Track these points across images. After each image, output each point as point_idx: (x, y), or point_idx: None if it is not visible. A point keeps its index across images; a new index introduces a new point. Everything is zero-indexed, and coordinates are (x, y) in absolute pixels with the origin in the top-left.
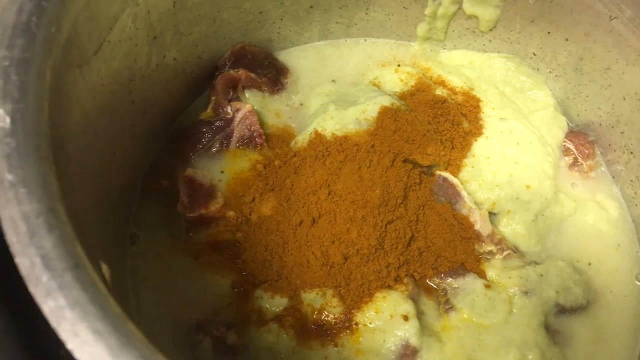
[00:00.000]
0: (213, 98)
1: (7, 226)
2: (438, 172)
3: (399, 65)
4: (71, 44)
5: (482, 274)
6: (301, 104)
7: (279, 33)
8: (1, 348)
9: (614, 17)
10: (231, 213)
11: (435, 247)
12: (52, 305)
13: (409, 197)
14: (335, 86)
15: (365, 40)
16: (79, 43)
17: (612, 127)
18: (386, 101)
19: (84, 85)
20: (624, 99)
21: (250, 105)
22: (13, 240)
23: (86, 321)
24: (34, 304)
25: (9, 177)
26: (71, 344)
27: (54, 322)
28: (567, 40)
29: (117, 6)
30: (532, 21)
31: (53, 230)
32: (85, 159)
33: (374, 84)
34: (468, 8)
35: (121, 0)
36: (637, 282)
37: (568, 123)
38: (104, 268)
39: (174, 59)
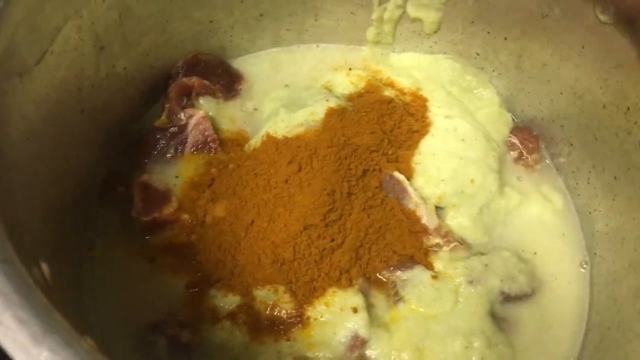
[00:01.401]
0: (167, 106)
1: None
2: (385, 170)
3: (350, 69)
4: (10, 54)
5: (429, 266)
6: (255, 109)
7: (231, 41)
8: None
9: (546, 15)
10: (185, 216)
11: (385, 241)
12: None
13: (357, 194)
14: (288, 91)
15: (318, 45)
16: (19, 53)
17: (553, 121)
18: (333, 102)
19: (25, 95)
20: (561, 93)
21: (204, 111)
22: None
23: (10, 310)
24: None
25: None
26: None
27: None
28: (505, 39)
29: (59, 18)
30: (472, 22)
31: None
32: (31, 165)
33: (326, 88)
34: (412, 12)
35: (63, 13)
36: (581, 270)
37: (513, 119)
38: (44, 267)
39: (124, 68)
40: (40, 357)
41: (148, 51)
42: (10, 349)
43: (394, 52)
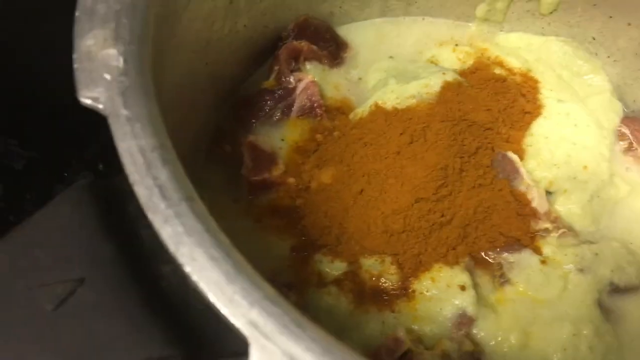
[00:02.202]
0: (276, 68)
1: (125, 158)
2: (497, 149)
3: (456, 45)
4: None
5: (537, 250)
6: (360, 79)
7: (341, 7)
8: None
9: None
10: (291, 180)
11: (491, 222)
12: (170, 232)
13: (468, 171)
14: (394, 62)
15: (424, 19)
16: None
17: None
18: (449, 76)
19: (175, 40)
20: None
21: (312, 76)
22: (131, 170)
23: (203, 247)
24: None
25: (125, 112)
26: (189, 267)
27: (172, 246)
28: (629, 24)
29: None
30: (595, 5)
31: (167, 164)
32: (170, 113)
33: (432, 62)
34: None
35: None
36: None
37: (624, 108)
38: None
39: (244, 25)
40: (235, 296)
41: (266, 10)
42: (205, 286)
43: (502, 31)
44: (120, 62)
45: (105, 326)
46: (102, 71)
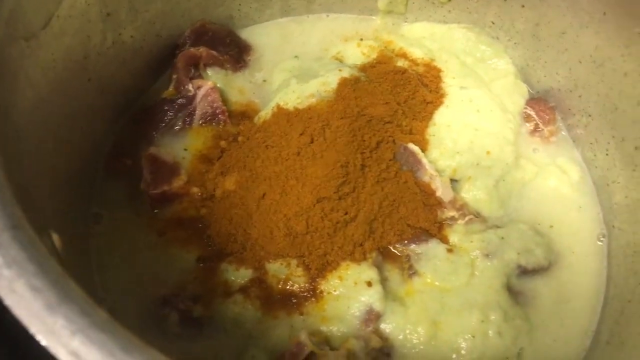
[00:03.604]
0: (174, 76)
1: None
2: (399, 142)
3: (361, 40)
4: (16, 17)
5: (444, 239)
6: (264, 81)
7: (239, 10)
8: None
9: None
10: (195, 189)
11: (398, 215)
12: None
13: (371, 166)
14: (299, 62)
15: (328, 15)
16: (25, 16)
17: (571, 91)
18: (346, 72)
19: (33, 60)
20: (580, 62)
21: (212, 82)
22: None
23: (23, 278)
24: None
25: None
26: (8, 300)
27: None
28: (523, 6)
29: None
30: None
31: None
32: (38, 133)
33: (337, 59)
34: None
35: None
36: (598, 243)
37: (529, 90)
38: (55, 237)
39: (131, 36)
40: (56, 326)
41: (155, 19)
42: (24, 318)
43: (406, 22)
44: None
45: None
46: None
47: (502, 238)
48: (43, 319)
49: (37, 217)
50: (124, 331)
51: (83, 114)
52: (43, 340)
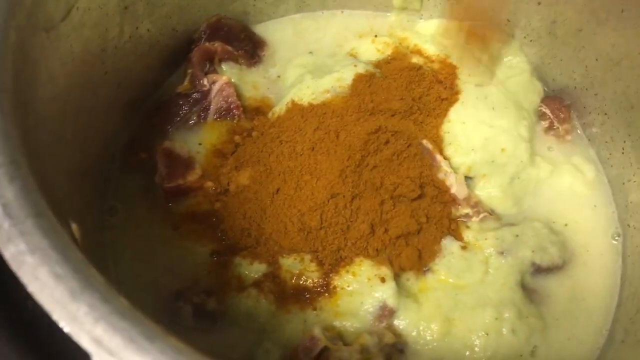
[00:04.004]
0: (189, 71)
1: None
2: (413, 138)
3: (376, 36)
4: (37, 8)
5: (458, 237)
6: (278, 76)
7: (254, 6)
8: None
9: None
10: (209, 183)
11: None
12: (13, 251)
13: (385, 162)
14: (313, 58)
15: (342, 12)
16: (46, 7)
17: (587, 89)
18: (361, 68)
19: (52, 51)
20: (597, 60)
21: (227, 76)
22: None
23: (47, 265)
24: None
25: None
26: (32, 287)
27: (14, 266)
28: (539, 4)
29: None
30: None
31: (15, 181)
32: (56, 125)
33: (351, 55)
34: None
35: None
36: (613, 242)
37: (544, 88)
38: (74, 227)
39: (148, 30)
40: (79, 312)
41: (171, 13)
42: (47, 305)
43: (421, 18)
44: None
45: None
46: None
47: (517, 236)
48: (66, 306)
49: (57, 207)
50: (145, 319)
51: (100, 107)
52: (66, 327)
